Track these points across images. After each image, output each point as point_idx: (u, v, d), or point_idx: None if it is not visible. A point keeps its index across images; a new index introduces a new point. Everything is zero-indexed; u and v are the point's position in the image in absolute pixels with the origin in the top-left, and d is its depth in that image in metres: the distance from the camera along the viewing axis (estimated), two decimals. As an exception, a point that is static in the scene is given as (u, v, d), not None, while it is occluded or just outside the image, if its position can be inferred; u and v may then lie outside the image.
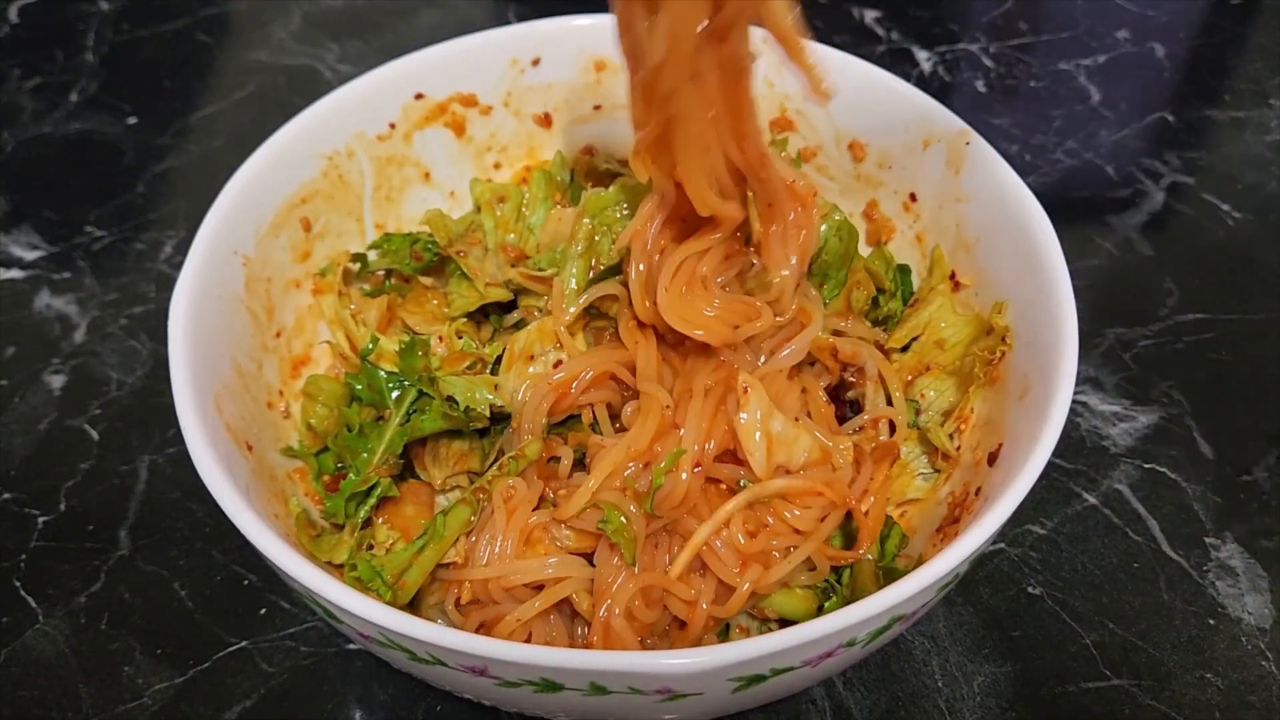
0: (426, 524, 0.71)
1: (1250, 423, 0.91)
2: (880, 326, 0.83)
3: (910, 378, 0.79)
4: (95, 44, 1.33)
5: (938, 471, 0.76)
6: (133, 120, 1.22)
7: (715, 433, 0.69)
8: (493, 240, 0.85)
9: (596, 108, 0.94)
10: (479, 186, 0.89)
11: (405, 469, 0.78)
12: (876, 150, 0.87)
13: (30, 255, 1.06)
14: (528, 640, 0.67)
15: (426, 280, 0.87)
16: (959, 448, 0.75)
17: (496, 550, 0.69)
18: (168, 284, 0.94)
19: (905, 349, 0.81)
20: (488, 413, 0.72)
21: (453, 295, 0.82)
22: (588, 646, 0.67)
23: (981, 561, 0.81)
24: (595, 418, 0.74)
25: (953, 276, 0.82)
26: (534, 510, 0.71)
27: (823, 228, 0.80)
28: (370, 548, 0.73)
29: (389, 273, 0.88)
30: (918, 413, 0.78)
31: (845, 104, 0.88)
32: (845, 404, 0.80)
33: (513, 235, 0.85)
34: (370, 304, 0.84)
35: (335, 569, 0.71)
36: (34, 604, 0.80)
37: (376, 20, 1.36)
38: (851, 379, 0.78)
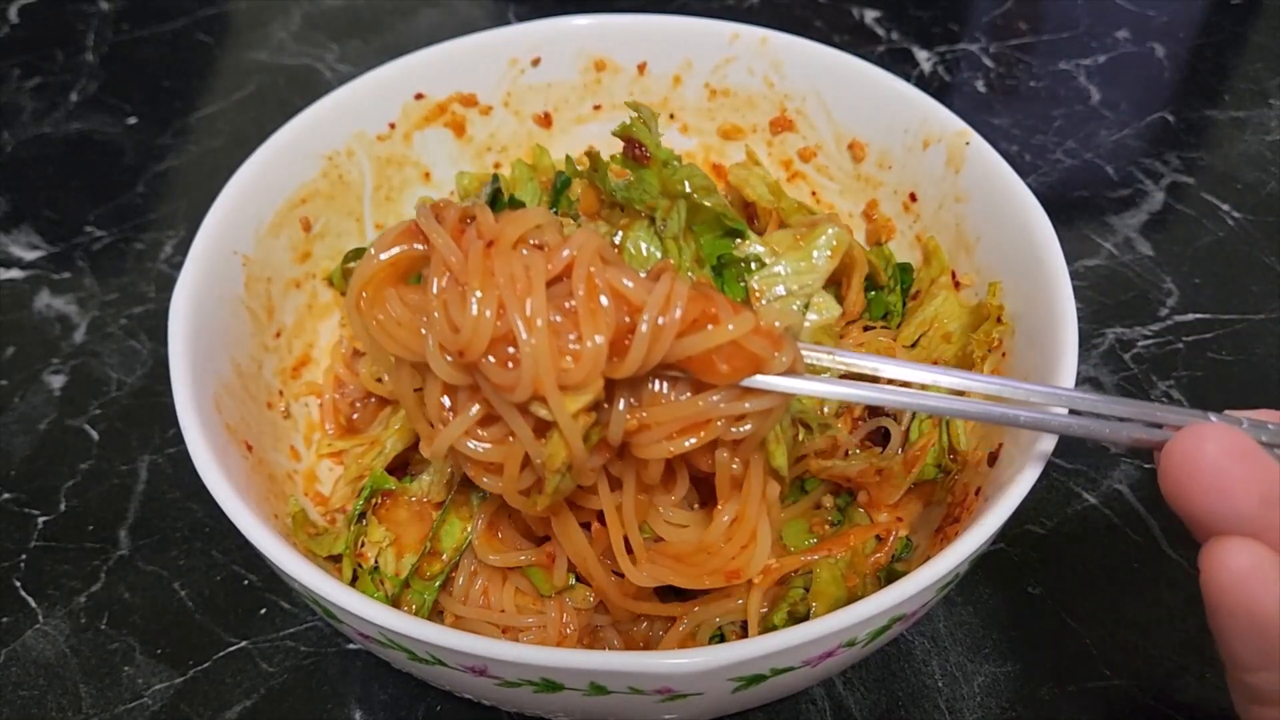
0: (425, 542, 0.71)
1: (1250, 423, 0.91)
2: (882, 322, 0.83)
3: None
4: (95, 44, 1.33)
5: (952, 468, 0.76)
6: (133, 120, 1.22)
7: None
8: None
9: (596, 108, 0.94)
10: (466, 178, 0.89)
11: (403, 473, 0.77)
12: (876, 150, 0.87)
13: (30, 255, 1.06)
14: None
15: None
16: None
17: (477, 589, 0.70)
18: (168, 284, 0.94)
19: (914, 345, 0.81)
20: None
21: None
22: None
23: (981, 561, 0.81)
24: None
25: (953, 276, 0.82)
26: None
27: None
28: (363, 545, 0.73)
29: None
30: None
31: (845, 104, 0.88)
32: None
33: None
34: None
35: (334, 564, 0.71)
36: (34, 604, 0.80)
37: (376, 20, 1.37)
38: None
